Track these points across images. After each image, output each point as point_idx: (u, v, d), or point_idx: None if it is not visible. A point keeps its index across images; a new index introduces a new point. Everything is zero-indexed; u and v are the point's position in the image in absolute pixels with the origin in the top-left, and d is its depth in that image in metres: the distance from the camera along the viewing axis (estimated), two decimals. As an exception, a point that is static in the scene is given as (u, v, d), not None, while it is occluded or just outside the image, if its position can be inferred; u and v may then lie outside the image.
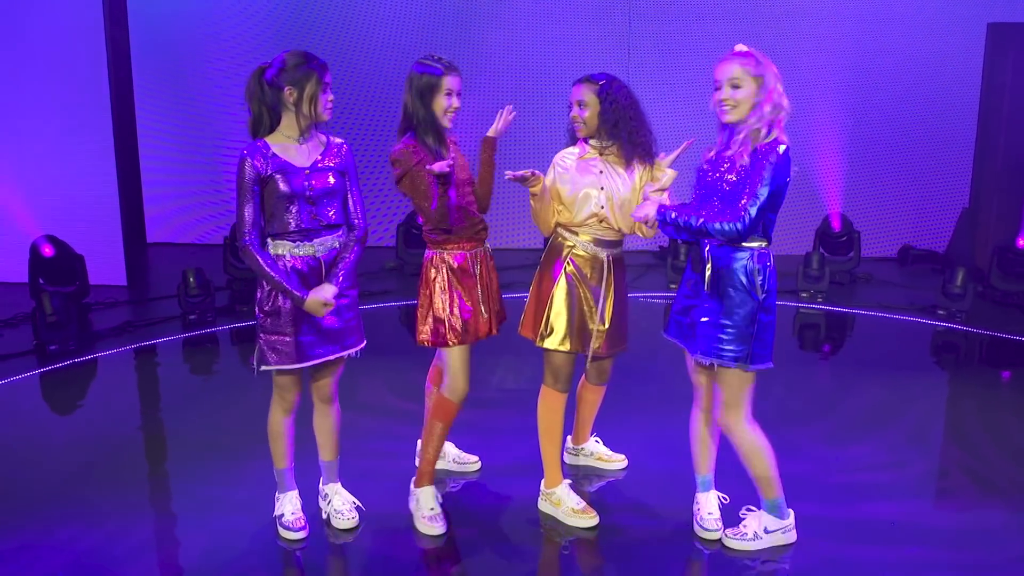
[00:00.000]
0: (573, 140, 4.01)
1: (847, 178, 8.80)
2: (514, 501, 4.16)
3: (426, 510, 4.01)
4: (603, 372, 4.30)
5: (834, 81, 8.49)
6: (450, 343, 3.90)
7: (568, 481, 4.12)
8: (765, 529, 3.80)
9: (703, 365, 3.71)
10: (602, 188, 3.86)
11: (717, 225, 3.47)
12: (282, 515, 3.95)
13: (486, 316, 3.98)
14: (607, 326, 3.96)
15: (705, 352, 3.60)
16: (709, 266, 3.58)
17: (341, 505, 4.03)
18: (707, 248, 3.58)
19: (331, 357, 3.78)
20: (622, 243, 4.02)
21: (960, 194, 8.66)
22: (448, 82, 3.79)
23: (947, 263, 8.31)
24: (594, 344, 3.96)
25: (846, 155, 8.74)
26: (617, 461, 4.55)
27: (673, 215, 3.57)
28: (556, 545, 3.95)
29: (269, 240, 3.66)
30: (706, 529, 3.90)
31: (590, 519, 4.01)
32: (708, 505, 3.95)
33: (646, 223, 3.74)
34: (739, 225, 3.43)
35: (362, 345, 3.89)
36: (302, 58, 3.58)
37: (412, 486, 4.10)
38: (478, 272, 3.97)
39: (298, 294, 3.59)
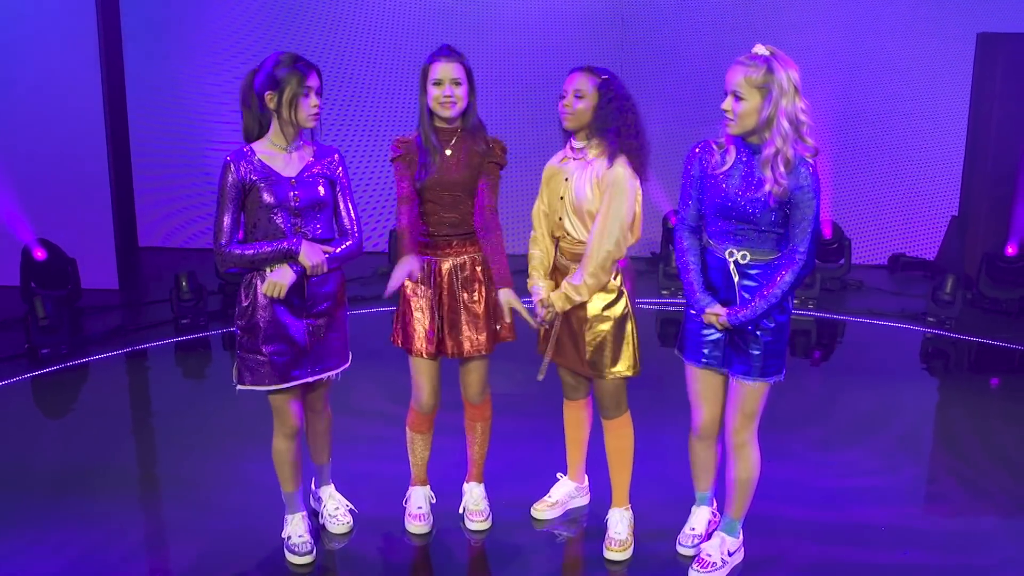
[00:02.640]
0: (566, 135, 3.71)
1: (836, 185, 8.84)
2: (506, 503, 4.17)
3: (413, 508, 4.06)
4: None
5: (823, 90, 8.50)
6: (395, 342, 3.89)
7: (563, 477, 4.21)
8: (728, 552, 3.74)
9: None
10: (562, 197, 3.69)
11: (789, 286, 3.34)
12: (289, 537, 3.83)
13: (431, 335, 3.77)
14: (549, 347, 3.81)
15: (750, 373, 3.47)
16: (737, 286, 3.44)
17: (335, 510, 4.04)
18: (731, 266, 3.45)
19: (309, 379, 3.66)
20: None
21: (950, 202, 8.70)
22: (432, 70, 3.63)
23: (937, 271, 8.35)
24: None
25: (835, 163, 8.78)
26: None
27: (753, 309, 3.39)
28: (554, 546, 3.97)
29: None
30: (682, 544, 3.89)
31: (538, 511, 4.13)
32: (694, 519, 3.95)
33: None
34: (803, 268, 3.33)
35: (344, 366, 3.78)
36: (287, 60, 3.41)
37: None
38: (437, 284, 3.76)
39: (286, 245, 3.44)
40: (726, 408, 3.61)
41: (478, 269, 3.79)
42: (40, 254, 7.04)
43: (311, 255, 3.48)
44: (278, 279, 3.45)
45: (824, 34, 8.54)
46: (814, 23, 8.55)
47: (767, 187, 3.29)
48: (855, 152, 8.76)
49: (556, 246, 3.81)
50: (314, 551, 3.82)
